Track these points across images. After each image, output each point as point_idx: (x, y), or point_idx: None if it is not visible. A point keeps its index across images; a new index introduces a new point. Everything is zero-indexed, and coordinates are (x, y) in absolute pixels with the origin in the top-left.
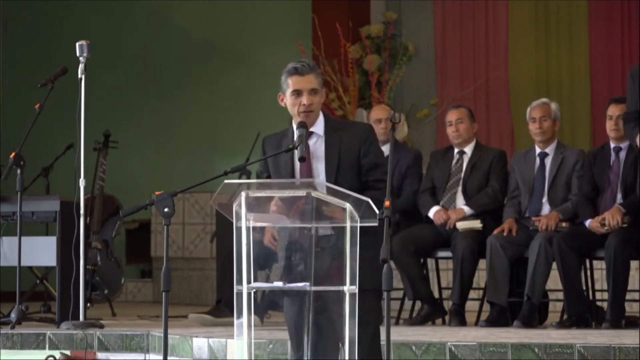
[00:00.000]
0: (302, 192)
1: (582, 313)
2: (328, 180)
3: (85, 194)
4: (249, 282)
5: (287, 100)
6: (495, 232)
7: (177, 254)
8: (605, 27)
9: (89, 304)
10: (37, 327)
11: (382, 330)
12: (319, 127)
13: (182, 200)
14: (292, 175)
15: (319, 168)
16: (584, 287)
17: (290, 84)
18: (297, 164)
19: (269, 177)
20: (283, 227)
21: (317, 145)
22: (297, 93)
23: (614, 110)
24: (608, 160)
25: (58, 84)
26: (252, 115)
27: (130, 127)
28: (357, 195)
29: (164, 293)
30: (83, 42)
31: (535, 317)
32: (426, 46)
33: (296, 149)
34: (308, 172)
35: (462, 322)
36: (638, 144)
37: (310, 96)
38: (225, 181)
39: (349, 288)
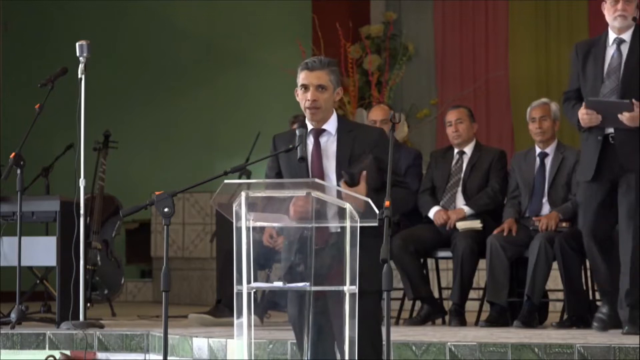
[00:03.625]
0: (302, 192)
1: (582, 313)
2: (337, 179)
3: (85, 194)
4: (249, 282)
5: (298, 94)
6: (495, 232)
7: (177, 254)
8: (605, 27)
9: (89, 304)
10: (37, 327)
11: (382, 330)
12: (331, 125)
13: (182, 200)
14: (305, 173)
15: (329, 167)
16: (584, 287)
17: (300, 78)
18: (310, 162)
19: (278, 173)
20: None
21: (329, 144)
22: (304, 88)
23: None
24: None
25: (58, 84)
26: (252, 116)
27: (130, 127)
28: (357, 195)
29: (164, 293)
30: (83, 42)
31: (535, 317)
32: (426, 46)
33: (296, 149)
34: (319, 170)
35: (462, 322)
36: (578, 122)
37: (316, 92)
38: (225, 181)
39: (349, 288)
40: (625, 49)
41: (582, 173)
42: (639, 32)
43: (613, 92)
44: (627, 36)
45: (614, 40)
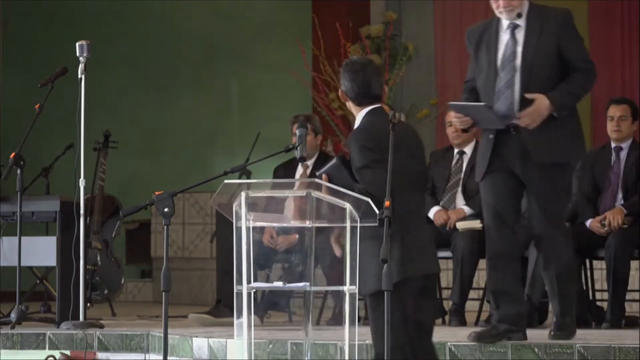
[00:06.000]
0: (302, 192)
1: (582, 313)
2: None
3: (85, 194)
4: (249, 282)
5: None
6: None
7: (177, 254)
8: (605, 27)
9: (89, 304)
10: (37, 327)
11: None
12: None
13: (182, 200)
14: None
15: None
16: (584, 287)
17: None
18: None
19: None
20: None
21: None
22: None
23: (614, 111)
24: (609, 160)
25: (58, 84)
26: (252, 115)
27: (130, 127)
28: (358, 195)
29: (164, 293)
30: (83, 42)
31: (535, 317)
32: (426, 46)
33: (296, 149)
34: None
35: (462, 322)
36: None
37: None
38: (225, 181)
39: (349, 288)
40: (520, 35)
41: (476, 173)
42: (534, 13)
43: (509, 85)
44: (521, 20)
45: (508, 25)
